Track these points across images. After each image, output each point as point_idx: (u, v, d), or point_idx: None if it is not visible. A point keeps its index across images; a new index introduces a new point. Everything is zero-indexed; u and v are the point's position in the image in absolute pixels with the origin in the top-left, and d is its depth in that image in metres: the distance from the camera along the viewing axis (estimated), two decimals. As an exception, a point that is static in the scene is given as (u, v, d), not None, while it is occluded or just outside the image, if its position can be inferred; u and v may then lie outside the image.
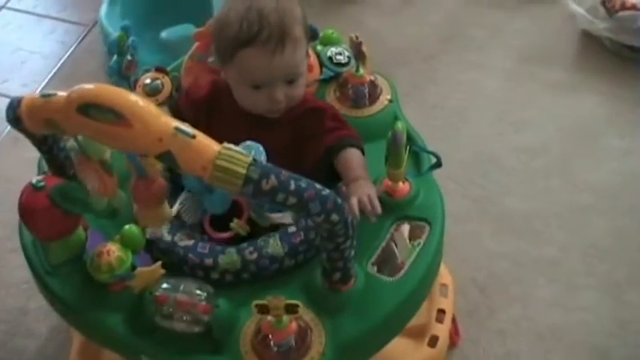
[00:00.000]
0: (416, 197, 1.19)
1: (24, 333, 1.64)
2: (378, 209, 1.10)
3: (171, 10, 2.09)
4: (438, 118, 1.96)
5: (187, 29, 1.92)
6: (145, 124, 0.87)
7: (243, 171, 0.85)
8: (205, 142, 0.86)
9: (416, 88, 2.00)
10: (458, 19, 2.26)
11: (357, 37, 1.34)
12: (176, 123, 0.87)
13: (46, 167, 1.24)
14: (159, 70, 1.42)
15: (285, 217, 1.15)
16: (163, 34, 1.94)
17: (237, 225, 1.15)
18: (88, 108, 0.89)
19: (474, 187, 1.81)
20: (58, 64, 2.27)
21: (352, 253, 1.01)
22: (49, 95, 0.97)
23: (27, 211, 1.13)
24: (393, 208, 1.17)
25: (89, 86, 0.92)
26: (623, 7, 2.03)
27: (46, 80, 2.22)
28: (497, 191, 1.81)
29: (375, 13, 2.28)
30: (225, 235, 1.17)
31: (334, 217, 0.91)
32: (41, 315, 1.66)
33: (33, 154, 1.90)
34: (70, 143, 1.17)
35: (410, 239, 1.15)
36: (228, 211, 1.16)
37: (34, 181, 1.14)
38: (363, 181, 1.15)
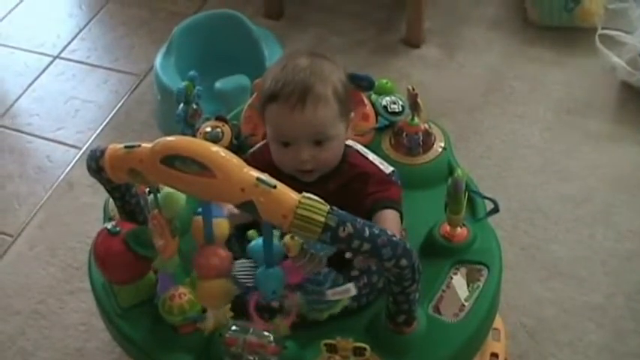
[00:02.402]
0: (474, 242, 1.23)
1: (82, 374, 1.69)
2: None
3: (224, 61, 2.16)
4: (484, 168, 2.00)
5: (241, 80, 1.99)
6: (228, 174, 0.92)
7: (322, 219, 0.90)
8: (286, 192, 0.92)
9: (461, 139, 2.04)
10: (498, 73, 2.31)
11: (413, 89, 1.39)
12: (257, 174, 0.93)
13: (111, 212, 1.30)
14: (219, 118, 1.47)
15: (349, 291, 1.12)
16: (218, 85, 2.00)
17: (280, 322, 1.09)
18: (173, 160, 0.95)
19: (520, 234, 1.85)
20: (111, 113, 2.33)
21: (417, 296, 1.05)
22: (132, 147, 1.02)
23: (102, 256, 1.18)
24: (452, 253, 1.22)
25: (172, 138, 0.98)
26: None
27: (100, 128, 2.28)
28: (544, 239, 1.84)
29: (419, 66, 2.34)
30: (264, 325, 1.10)
31: (403, 262, 0.96)
32: (98, 356, 1.71)
33: (88, 199, 2.00)
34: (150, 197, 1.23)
35: (468, 283, 1.19)
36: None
37: (109, 226, 1.19)
38: None
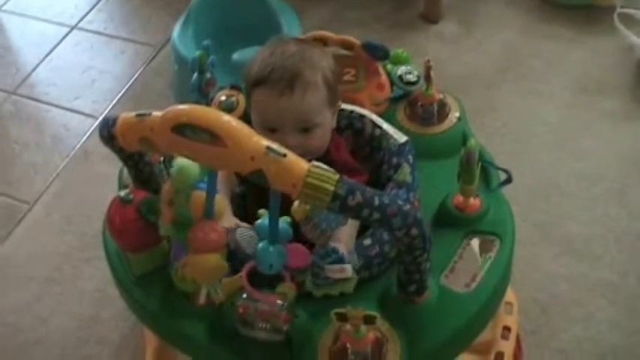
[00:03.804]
0: (487, 212, 1.23)
1: (97, 340, 1.72)
2: None
3: (242, 32, 2.15)
4: (499, 144, 1.99)
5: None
6: (238, 143, 0.92)
7: (332, 188, 0.90)
8: (295, 161, 0.91)
9: (476, 115, 2.01)
10: (516, 50, 2.29)
11: (428, 61, 1.38)
12: (267, 142, 0.92)
13: (126, 181, 1.31)
14: (233, 87, 1.46)
15: (345, 270, 1.11)
16: (235, 56, 2.00)
17: (285, 287, 1.08)
18: (184, 128, 0.94)
19: (535, 211, 1.84)
20: (128, 84, 2.35)
21: (428, 265, 1.04)
22: (143, 115, 1.02)
23: (116, 224, 1.18)
24: (465, 223, 1.22)
25: (183, 107, 0.97)
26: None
27: (117, 98, 2.30)
28: (558, 215, 1.84)
29: (437, 41, 2.33)
30: (264, 295, 1.08)
31: (414, 231, 0.96)
32: (113, 323, 1.74)
33: (104, 168, 2.02)
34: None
35: (480, 254, 1.19)
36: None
37: (122, 194, 1.19)
38: None
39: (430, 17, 2.39)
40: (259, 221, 1.06)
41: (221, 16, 2.23)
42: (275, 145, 0.92)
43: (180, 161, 1.06)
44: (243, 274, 1.06)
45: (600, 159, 1.96)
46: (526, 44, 2.31)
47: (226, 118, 0.94)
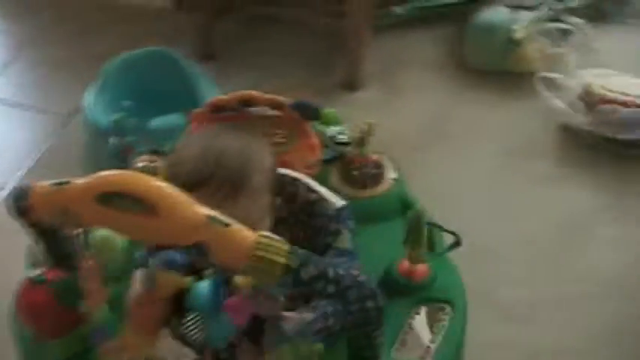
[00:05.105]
0: (435, 278, 1.18)
1: None
2: None
3: (159, 99, 2.07)
4: (428, 209, 1.95)
5: (176, 119, 1.89)
6: (174, 213, 0.82)
7: (283, 260, 0.81)
8: (241, 231, 0.82)
9: (403, 179, 2.01)
10: (439, 115, 2.28)
11: (366, 125, 1.33)
12: (208, 211, 0.83)
13: (34, 259, 1.18)
14: (154, 152, 1.41)
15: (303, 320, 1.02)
16: (152, 124, 1.92)
17: None
18: (110, 197, 0.85)
19: (469, 276, 1.77)
20: (35, 155, 2.23)
21: (381, 340, 0.98)
22: (61, 183, 0.92)
23: (27, 308, 1.08)
24: (413, 291, 1.16)
25: (109, 173, 0.88)
26: (603, 102, 2.09)
27: (25, 170, 2.17)
28: (495, 280, 1.78)
29: (359, 108, 2.29)
30: None
31: (370, 304, 0.89)
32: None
33: (9, 244, 1.85)
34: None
35: (431, 323, 1.13)
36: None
37: (32, 275, 1.08)
38: None
39: (350, 84, 2.38)
40: (191, 293, 0.96)
41: (136, 83, 2.14)
42: (217, 214, 0.82)
43: (102, 231, 0.96)
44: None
45: (532, 222, 1.94)
46: (449, 109, 2.31)
47: (159, 184, 0.84)
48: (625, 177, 2.06)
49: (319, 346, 1.01)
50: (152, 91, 2.12)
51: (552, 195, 2.02)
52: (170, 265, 0.93)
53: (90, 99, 2.05)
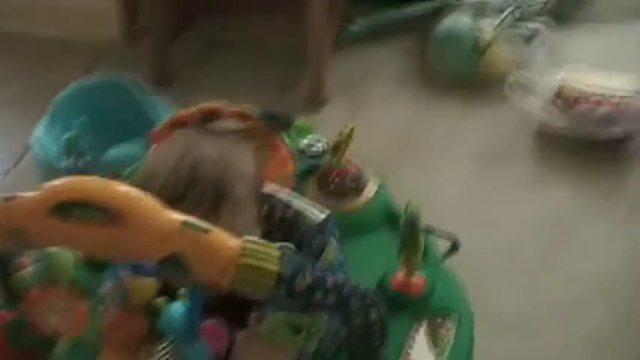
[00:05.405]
0: (434, 289, 1.08)
1: None
2: None
3: (113, 129, 1.96)
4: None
5: (132, 148, 1.79)
6: (142, 220, 0.70)
7: (275, 268, 0.69)
8: (222, 236, 0.70)
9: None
10: (409, 126, 2.22)
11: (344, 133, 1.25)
12: (183, 216, 0.71)
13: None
14: (114, 177, 1.27)
15: None
16: (108, 154, 1.85)
17: None
18: (68, 207, 0.72)
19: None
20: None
21: (386, 355, 0.86)
22: (7, 199, 0.78)
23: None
24: (411, 305, 1.06)
25: (65, 180, 0.76)
26: (577, 102, 2.06)
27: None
28: (484, 292, 1.68)
29: (326, 123, 2.20)
30: None
31: (373, 314, 0.79)
32: None
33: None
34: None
35: (436, 338, 1.03)
36: None
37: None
38: None
39: (316, 100, 2.30)
40: (162, 317, 0.84)
41: (88, 113, 2.02)
42: (194, 219, 0.70)
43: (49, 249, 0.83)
44: None
45: (515, 228, 1.89)
46: (419, 120, 2.25)
47: (125, 188, 0.72)
48: (604, 176, 2.02)
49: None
50: (105, 121, 2.00)
51: (533, 199, 1.98)
52: (138, 270, 0.80)
53: (40, 132, 1.95)
